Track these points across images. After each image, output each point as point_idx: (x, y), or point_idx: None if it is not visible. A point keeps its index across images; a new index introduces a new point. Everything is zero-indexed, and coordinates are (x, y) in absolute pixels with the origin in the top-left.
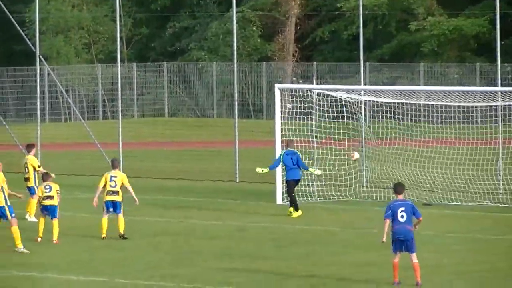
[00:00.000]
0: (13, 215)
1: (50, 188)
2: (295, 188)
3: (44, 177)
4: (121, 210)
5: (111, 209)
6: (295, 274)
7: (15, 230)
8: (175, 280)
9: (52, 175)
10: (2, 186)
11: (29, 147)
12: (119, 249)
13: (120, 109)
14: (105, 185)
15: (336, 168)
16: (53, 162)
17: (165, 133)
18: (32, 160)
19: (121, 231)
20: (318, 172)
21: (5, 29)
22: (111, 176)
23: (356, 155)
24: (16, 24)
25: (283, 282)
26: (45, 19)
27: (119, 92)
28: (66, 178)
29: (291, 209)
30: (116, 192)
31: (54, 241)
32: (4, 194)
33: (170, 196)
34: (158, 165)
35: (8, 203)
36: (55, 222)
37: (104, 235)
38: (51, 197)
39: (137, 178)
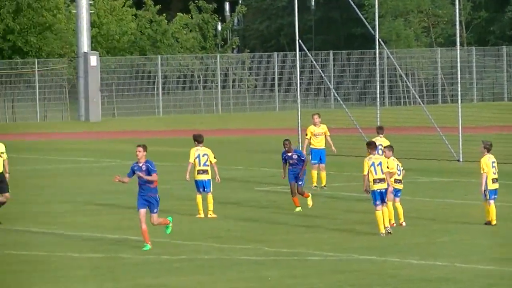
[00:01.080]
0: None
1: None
2: None
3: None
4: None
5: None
6: None
7: (378, 215)
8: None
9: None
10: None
11: (380, 129)
12: (457, 233)
13: (459, 93)
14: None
15: None
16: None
17: (505, 117)
18: (386, 142)
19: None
20: None
21: (345, 12)
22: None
23: None
24: (355, 8)
25: None
26: (384, 3)
27: (459, 76)
28: (405, 162)
29: None
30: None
31: (403, 224)
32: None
33: None
34: (499, 150)
35: None
36: (389, 205)
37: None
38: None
39: (477, 162)
